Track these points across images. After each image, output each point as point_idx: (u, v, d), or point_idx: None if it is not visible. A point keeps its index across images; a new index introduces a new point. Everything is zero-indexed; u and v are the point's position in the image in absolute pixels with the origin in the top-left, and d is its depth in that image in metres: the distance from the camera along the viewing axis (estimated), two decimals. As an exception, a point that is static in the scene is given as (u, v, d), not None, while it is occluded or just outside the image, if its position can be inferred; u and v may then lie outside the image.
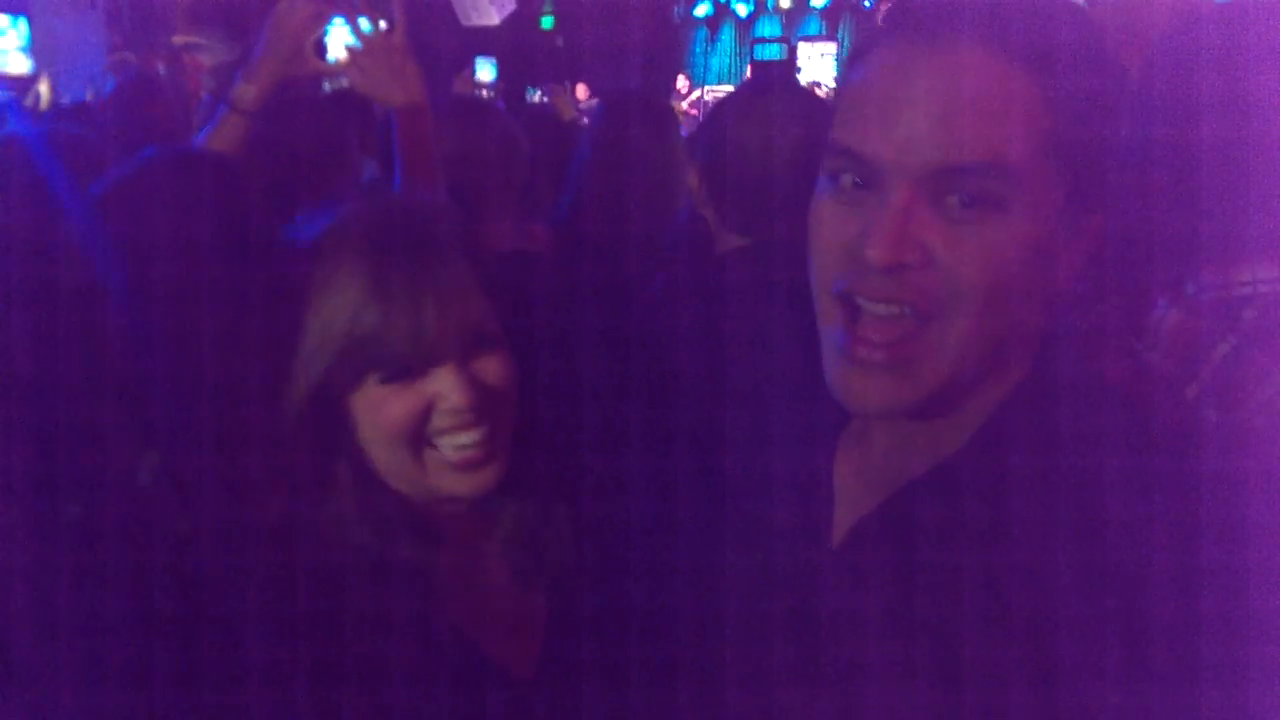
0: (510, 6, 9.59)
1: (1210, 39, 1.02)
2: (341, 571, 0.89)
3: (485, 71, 10.40)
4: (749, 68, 10.02)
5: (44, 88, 6.84)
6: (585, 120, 6.30)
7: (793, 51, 10.21)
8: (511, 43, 10.29)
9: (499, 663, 0.95)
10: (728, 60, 12.32)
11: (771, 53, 9.95)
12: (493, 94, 10.02)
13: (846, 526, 0.73)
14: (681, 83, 10.16)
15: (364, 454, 0.91)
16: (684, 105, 8.78)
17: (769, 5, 11.79)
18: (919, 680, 0.65)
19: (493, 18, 9.51)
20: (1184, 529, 0.61)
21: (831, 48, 10.99)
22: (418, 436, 0.90)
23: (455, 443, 0.90)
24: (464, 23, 9.66)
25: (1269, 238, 0.98)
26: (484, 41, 9.88)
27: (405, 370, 0.88)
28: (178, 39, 7.46)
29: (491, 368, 0.91)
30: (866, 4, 11.01)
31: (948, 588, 0.65)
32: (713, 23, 12.39)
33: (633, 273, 1.38)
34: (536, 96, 9.64)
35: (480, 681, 0.93)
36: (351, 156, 1.69)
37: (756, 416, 0.88)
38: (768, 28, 11.74)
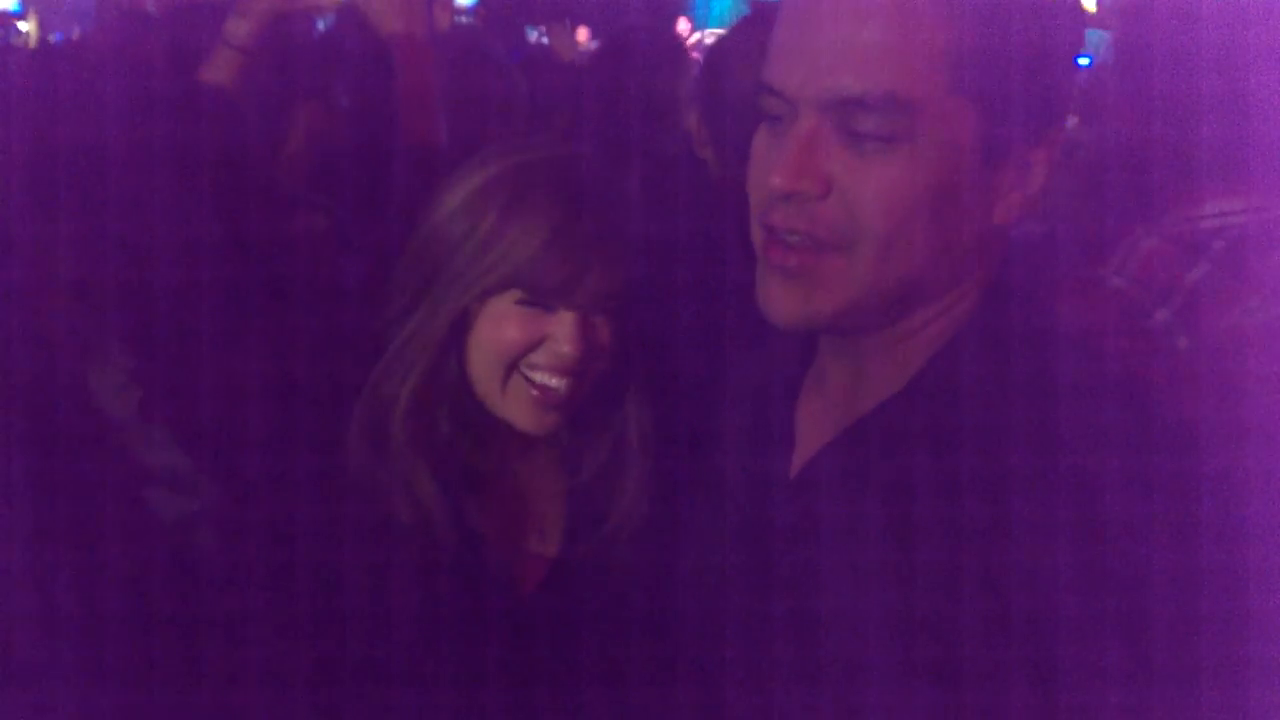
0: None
1: None
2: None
3: None
4: (749, 5, 9.86)
5: (31, 25, 6.70)
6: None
7: None
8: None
9: (511, 575, 1.05)
10: (729, 3, 12.07)
11: (776, -14, 9.77)
12: (470, 19, 9.83)
13: (799, 465, 0.76)
14: (683, 25, 9.95)
15: (466, 357, 1.02)
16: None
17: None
18: (867, 623, 0.67)
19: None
20: (1142, 480, 0.61)
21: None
22: (517, 360, 1.00)
23: (544, 380, 0.99)
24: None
25: (1236, 173, 1.00)
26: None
27: (543, 301, 0.98)
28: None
29: (605, 327, 1.00)
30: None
31: (890, 530, 0.66)
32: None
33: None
34: (535, 36, 9.45)
35: (487, 592, 1.03)
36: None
37: (725, 357, 0.93)
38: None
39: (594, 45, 9.57)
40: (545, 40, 8.92)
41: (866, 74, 0.65)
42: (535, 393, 0.98)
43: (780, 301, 0.70)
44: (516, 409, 1.00)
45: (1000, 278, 0.70)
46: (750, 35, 1.28)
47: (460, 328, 0.98)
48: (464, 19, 9.50)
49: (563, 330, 0.96)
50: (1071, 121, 0.70)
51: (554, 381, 0.98)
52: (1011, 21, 0.62)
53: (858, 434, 0.70)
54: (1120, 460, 0.61)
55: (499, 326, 0.97)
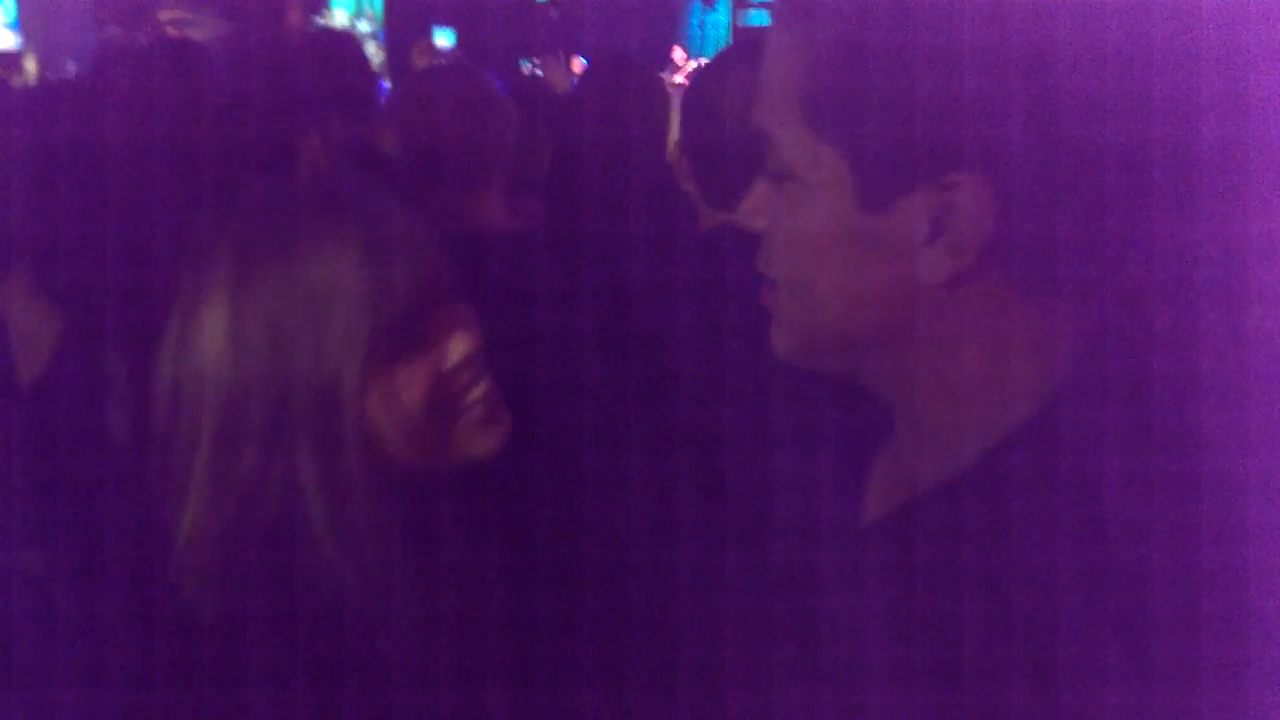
0: (504, -23, 9.47)
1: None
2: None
3: (443, 39, 10.34)
4: (734, 35, 9.95)
5: (30, 64, 6.78)
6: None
7: None
8: (505, 13, 10.18)
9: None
10: (724, 33, 12.19)
11: (760, 19, 9.89)
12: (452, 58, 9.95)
13: (861, 531, 0.73)
14: (679, 55, 10.06)
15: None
16: (678, 78, 8.70)
17: (766, -23, 11.67)
18: (915, 683, 0.64)
19: (486, -12, 9.39)
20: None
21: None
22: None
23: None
24: (457, -6, 9.55)
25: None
26: (461, 11, 9.76)
27: None
28: (165, 14, 7.39)
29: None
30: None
31: (939, 608, 0.63)
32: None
33: (616, 249, 1.36)
34: (529, 68, 9.55)
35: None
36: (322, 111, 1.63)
37: (768, 413, 0.87)
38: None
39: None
40: (539, 73, 9.03)
41: (756, 113, 0.67)
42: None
43: (769, 340, 0.71)
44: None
45: (1069, 375, 0.63)
46: (729, 67, 1.30)
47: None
48: (443, 62, 9.64)
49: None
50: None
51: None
52: (874, 66, 0.59)
53: (907, 515, 0.68)
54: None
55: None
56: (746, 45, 1.34)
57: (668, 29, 12.42)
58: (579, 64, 8.84)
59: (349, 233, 0.80)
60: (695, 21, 12.64)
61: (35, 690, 0.83)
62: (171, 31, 5.36)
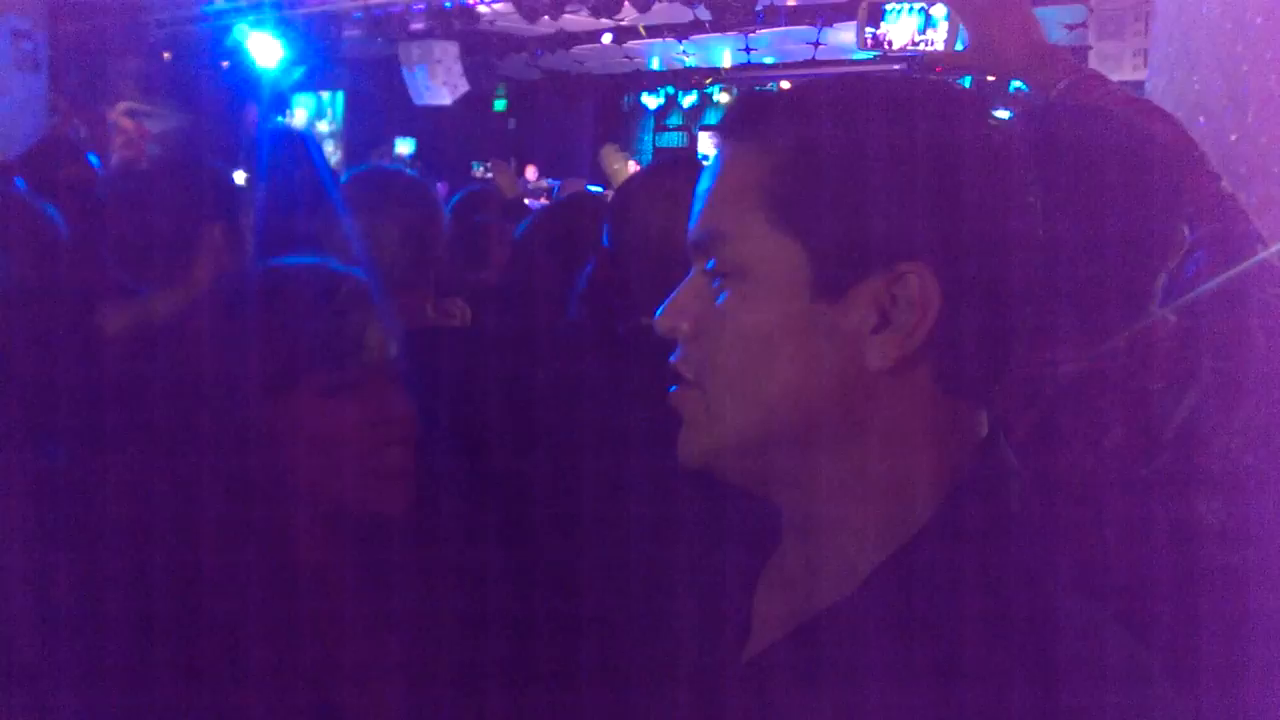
0: (463, 88, 9.77)
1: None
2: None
3: (404, 146, 10.60)
4: (653, 154, 10.42)
5: None
6: (527, 200, 6.36)
7: (693, 140, 10.59)
8: (464, 123, 10.44)
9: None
10: (675, 146, 12.65)
11: (672, 140, 10.37)
12: (409, 167, 10.18)
13: (752, 653, 0.71)
14: (631, 167, 10.39)
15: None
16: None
17: (712, 99, 12.20)
18: None
19: (445, 98, 9.67)
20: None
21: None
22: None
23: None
24: (416, 101, 9.81)
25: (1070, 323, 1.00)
26: (422, 121, 10.01)
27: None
28: (123, 105, 7.43)
29: None
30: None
31: None
32: (661, 113, 12.75)
33: (537, 354, 1.36)
34: (480, 171, 9.76)
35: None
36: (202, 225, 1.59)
37: (667, 520, 0.86)
38: (713, 118, 12.13)
39: (543, 183, 9.95)
40: (488, 175, 9.22)
41: (705, 215, 0.68)
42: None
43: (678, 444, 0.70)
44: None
45: (970, 472, 0.64)
46: (650, 182, 1.34)
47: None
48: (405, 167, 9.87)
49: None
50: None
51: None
52: (832, 164, 0.62)
53: (808, 634, 0.67)
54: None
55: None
56: (668, 164, 1.39)
57: (621, 145, 12.82)
58: (533, 172, 9.05)
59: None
60: (647, 138, 13.10)
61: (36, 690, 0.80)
62: (125, 123, 5.37)
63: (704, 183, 0.70)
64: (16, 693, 0.79)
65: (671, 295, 0.70)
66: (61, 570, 0.82)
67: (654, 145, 10.74)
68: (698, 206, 0.69)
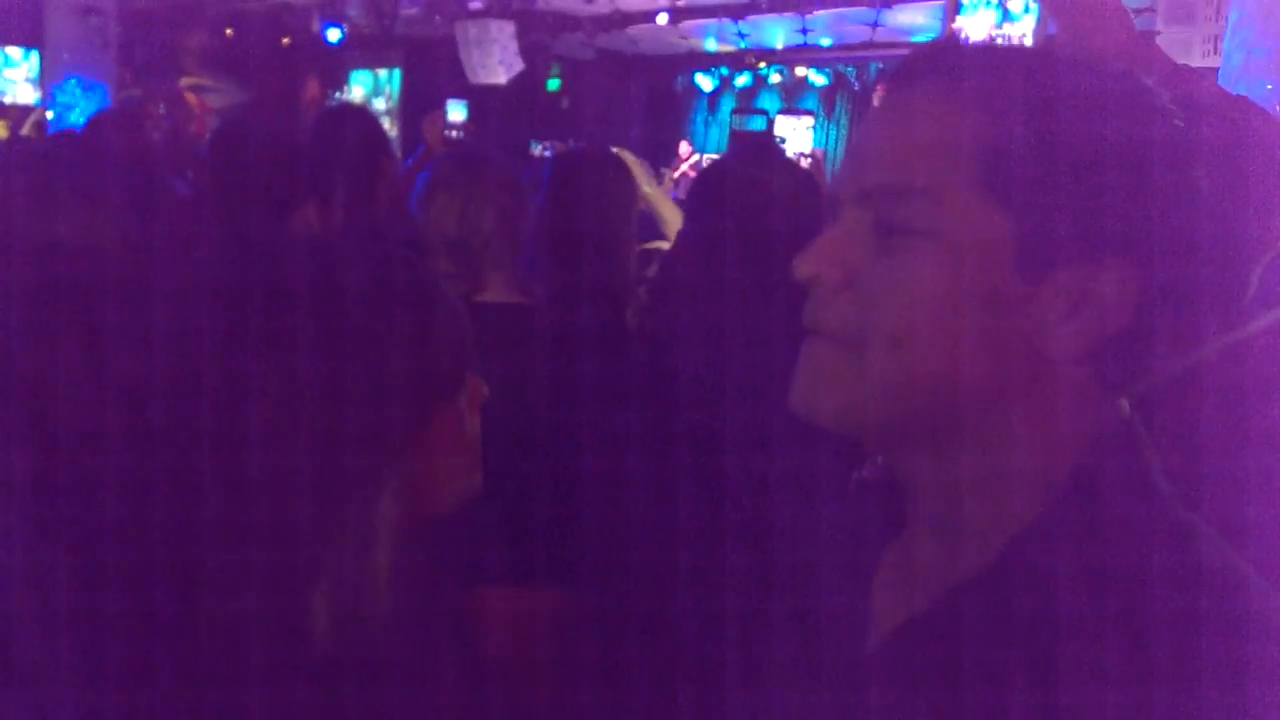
0: (518, 67, 9.81)
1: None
2: None
3: (457, 113, 10.63)
4: (729, 137, 10.31)
5: (33, 117, 6.96)
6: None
7: (771, 123, 10.48)
8: (517, 102, 10.48)
9: None
10: (726, 130, 12.56)
11: (757, 124, 10.24)
12: (462, 134, 10.24)
13: (872, 646, 0.70)
14: (684, 148, 10.36)
15: None
16: (682, 168, 8.94)
17: (767, 80, 12.07)
18: None
19: (500, 77, 9.71)
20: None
21: (809, 120, 11.23)
22: None
23: None
24: (471, 80, 9.86)
25: None
26: (474, 91, 10.04)
27: None
28: (186, 81, 7.58)
29: None
30: (855, 86, 11.30)
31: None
32: (714, 94, 12.66)
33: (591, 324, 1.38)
34: (538, 150, 9.80)
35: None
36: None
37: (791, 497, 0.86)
38: (766, 102, 12.01)
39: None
40: (547, 154, 9.25)
41: (891, 165, 0.63)
42: None
43: (794, 390, 0.66)
44: None
45: (1090, 461, 0.62)
46: (733, 166, 1.35)
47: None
48: (457, 133, 9.95)
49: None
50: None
51: None
52: (1065, 141, 0.58)
53: (917, 627, 0.65)
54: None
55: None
56: (744, 149, 1.39)
57: (673, 126, 12.78)
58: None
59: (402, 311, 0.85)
60: (700, 119, 13.02)
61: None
62: (188, 98, 5.48)
63: (878, 129, 0.65)
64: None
65: (816, 241, 0.65)
66: (109, 569, 0.80)
67: (731, 128, 10.62)
68: (867, 153, 0.64)
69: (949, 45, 0.65)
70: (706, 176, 1.41)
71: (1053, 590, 0.59)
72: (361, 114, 2.25)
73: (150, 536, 0.79)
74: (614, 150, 1.85)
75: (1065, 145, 0.58)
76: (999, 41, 6.54)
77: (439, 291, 0.86)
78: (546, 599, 1.10)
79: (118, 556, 0.80)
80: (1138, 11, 7.08)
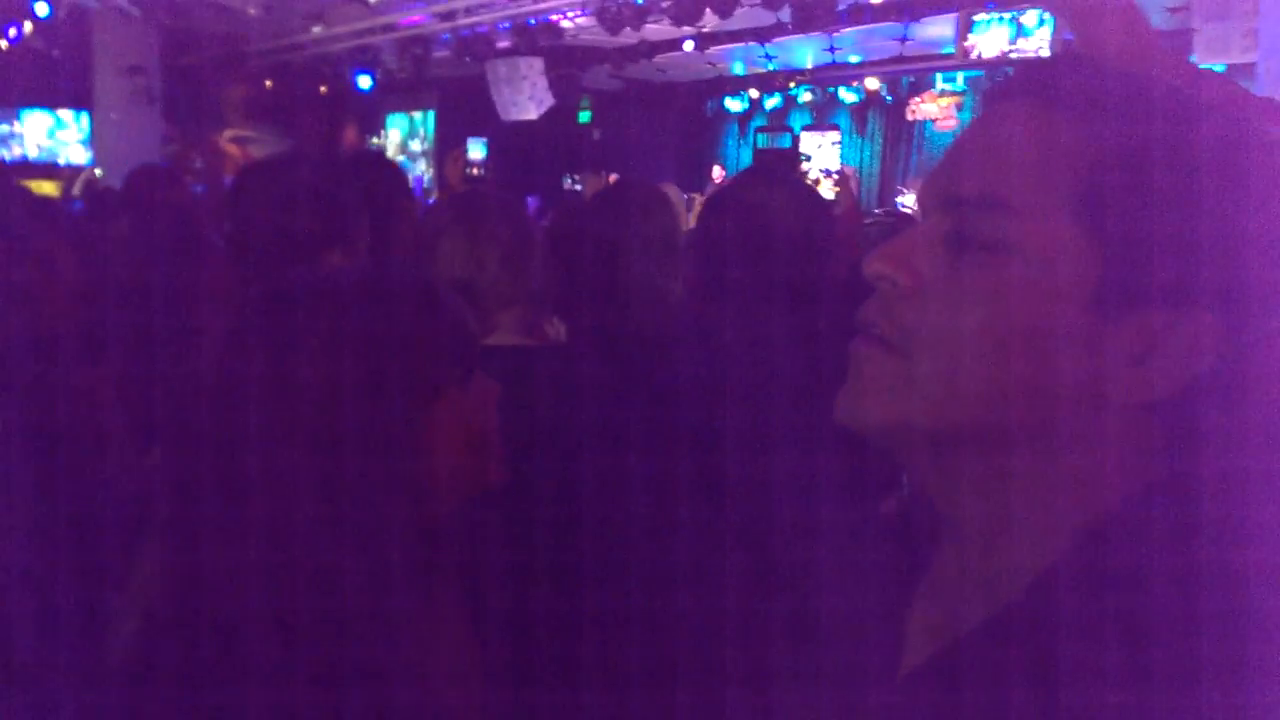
0: (549, 102, 9.95)
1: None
2: None
3: (476, 151, 10.80)
4: (753, 154, 10.30)
5: (83, 176, 7.24)
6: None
7: (796, 140, 10.47)
8: (550, 137, 10.61)
9: None
10: (779, 148, 12.59)
11: (783, 142, 10.20)
12: (483, 172, 10.40)
13: (904, 674, 0.68)
14: (717, 173, 10.39)
15: None
16: (715, 195, 8.97)
17: (797, 100, 12.08)
18: None
19: (531, 112, 9.86)
20: None
21: (835, 135, 11.20)
22: None
23: None
24: (503, 117, 10.02)
25: None
26: (508, 129, 10.19)
27: None
28: (229, 133, 7.82)
29: None
30: (888, 98, 11.25)
31: None
32: (744, 117, 12.71)
33: (632, 367, 1.37)
34: (569, 184, 9.91)
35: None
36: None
37: (808, 519, 0.83)
38: (795, 121, 12.01)
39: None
40: (579, 188, 9.33)
41: (977, 173, 0.60)
42: None
43: (840, 396, 0.65)
44: None
45: (1133, 509, 0.59)
46: (747, 186, 1.34)
47: None
48: (477, 171, 10.11)
49: None
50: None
51: None
52: (1165, 181, 0.55)
53: (956, 652, 0.64)
54: None
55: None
56: (765, 168, 1.38)
57: (705, 151, 12.83)
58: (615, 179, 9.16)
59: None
60: (732, 143, 13.05)
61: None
62: (231, 150, 5.64)
63: (970, 137, 0.63)
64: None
65: (891, 242, 0.63)
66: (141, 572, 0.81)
67: (755, 145, 10.60)
68: (955, 161, 0.62)
69: (1054, 59, 0.63)
70: (709, 201, 1.41)
71: (1090, 628, 0.56)
72: (379, 158, 2.29)
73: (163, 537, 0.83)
74: (656, 185, 1.85)
75: (1167, 181, 0.55)
76: (1035, 55, 6.44)
77: (436, 289, 0.89)
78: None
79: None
80: (1173, 10, 6.95)
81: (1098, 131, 0.57)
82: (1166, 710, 0.52)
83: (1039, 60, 0.63)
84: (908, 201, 8.69)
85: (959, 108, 10.62)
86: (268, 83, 10.27)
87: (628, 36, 8.49)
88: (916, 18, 8.00)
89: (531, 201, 8.65)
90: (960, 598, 0.65)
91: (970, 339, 0.58)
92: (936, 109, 10.70)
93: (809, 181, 8.25)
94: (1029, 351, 0.57)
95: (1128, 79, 0.58)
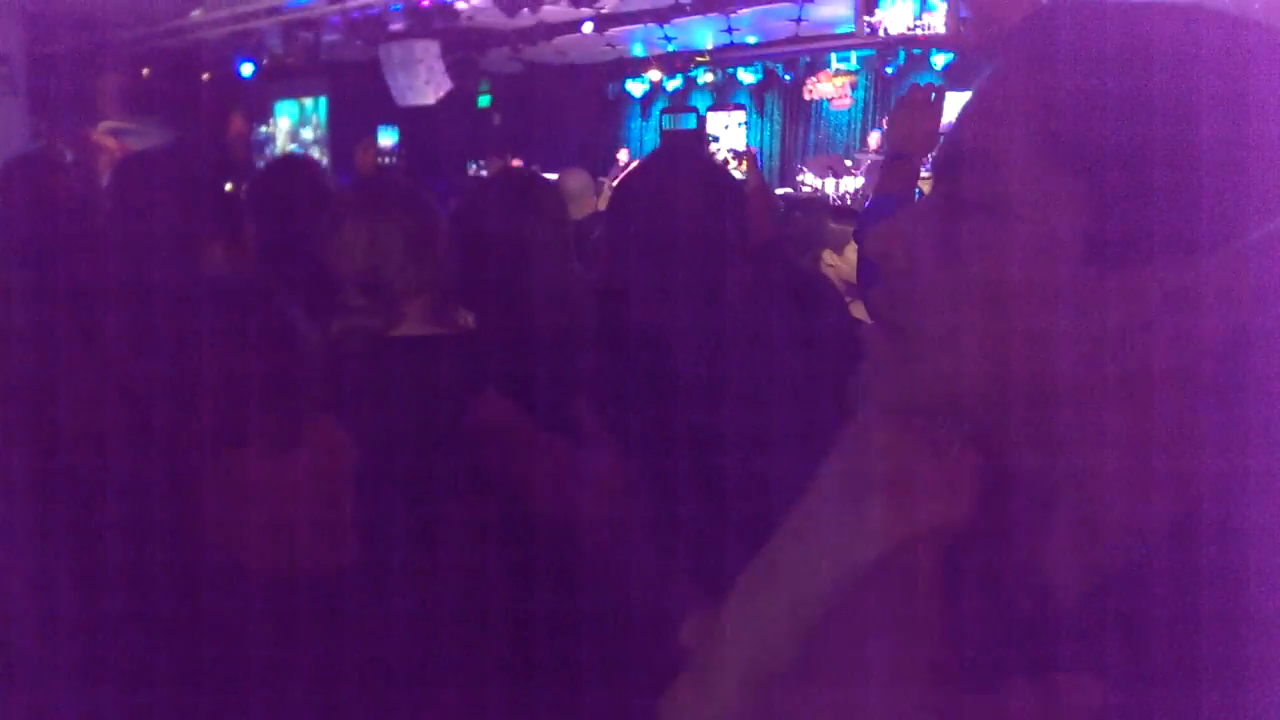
0: (446, 86, 9.73)
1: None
2: None
3: (387, 139, 10.56)
4: (660, 136, 10.33)
5: None
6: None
7: (702, 121, 10.53)
8: (450, 122, 10.40)
9: None
10: (660, 134, 12.62)
11: (688, 122, 10.23)
12: (394, 160, 10.18)
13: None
14: (623, 156, 10.35)
15: None
16: (621, 177, 8.92)
17: (698, 82, 12.12)
18: None
19: (428, 97, 9.62)
20: None
21: (741, 116, 11.31)
22: None
23: None
24: (400, 102, 9.76)
25: None
26: (405, 115, 9.97)
27: None
28: (105, 124, 7.39)
29: None
30: (787, 77, 11.39)
31: None
32: (646, 99, 12.69)
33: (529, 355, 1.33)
34: (473, 169, 9.75)
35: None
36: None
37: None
38: (697, 102, 12.06)
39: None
40: (484, 174, 9.20)
41: (968, 133, 0.57)
42: None
43: (862, 379, 0.62)
44: None
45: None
46: (658, 168, 1.31)
47: None
48: (389, 159, 9.87)
49: None
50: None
51: None
52: (1160, 97, 0.50)
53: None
54: None
55: None
56: (673, 151, 1.35)
57: (609, 134, 12.78)
58: (519, 165, 9.07)
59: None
60: (635, 125, 13.04)
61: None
62: (108, 143, 5.32)
63: (973, 96, 0.59)
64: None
65: (891, 217, 0.60)
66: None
67: (661, 126, 10.59)
68: (957, 121, 0.59)
69: (1051, 10, 0.58)
70: (621, 184, 1.37)
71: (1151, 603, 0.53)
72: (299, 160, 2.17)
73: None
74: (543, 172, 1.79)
75: (1164, 129, 0.50)
76: (925, 32, 6.57)
77: (284, 312, 0.79)
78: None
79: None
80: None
81: (1090, 82, 0.53)
82: (1167, 710, 0.50)
83: (1036, 13, 0.59)
84: (808, 180, 8.82)
85: (853, 86, 10.83)
86: (145, 71, 9.74)
87: (525, 19, 8.35)
88: (811, -2, 8.12)
89: (437, 188, 8.47)
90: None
91: (949, 313, 0.56)
92: (832, 88, 10.88)
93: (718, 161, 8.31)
94: (1023, 314, 0.54)
95: (1125, 26, 0.54)
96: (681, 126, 10.40)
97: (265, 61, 9.80)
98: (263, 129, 11.72)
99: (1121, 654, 0.54)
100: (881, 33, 6.78)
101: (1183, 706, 0.49)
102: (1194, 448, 0.54)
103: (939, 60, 9.80)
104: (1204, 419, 0.54)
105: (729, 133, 11.05)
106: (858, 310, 2.19)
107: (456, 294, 1.47)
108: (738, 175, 6.43)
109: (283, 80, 10.90)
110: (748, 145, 10.66)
